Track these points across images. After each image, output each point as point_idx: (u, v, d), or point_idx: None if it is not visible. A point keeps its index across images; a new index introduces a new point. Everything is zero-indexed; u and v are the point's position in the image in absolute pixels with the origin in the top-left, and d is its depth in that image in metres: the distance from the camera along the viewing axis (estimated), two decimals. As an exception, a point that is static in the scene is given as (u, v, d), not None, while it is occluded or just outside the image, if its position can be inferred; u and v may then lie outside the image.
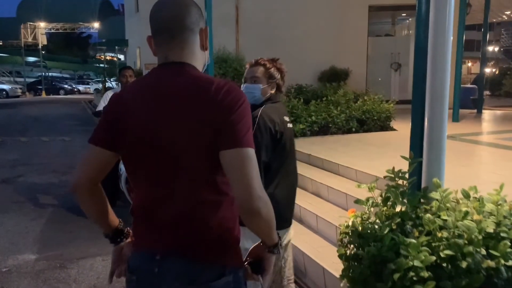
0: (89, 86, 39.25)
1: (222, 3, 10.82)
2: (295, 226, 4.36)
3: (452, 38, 2.48)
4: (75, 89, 37.62)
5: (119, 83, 5.49)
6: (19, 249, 4.27)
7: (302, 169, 5.41)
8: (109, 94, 5.44)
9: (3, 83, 32.47)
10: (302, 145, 6.26)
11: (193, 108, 1.21)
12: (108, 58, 37.40)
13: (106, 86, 23.51)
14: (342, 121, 7.46)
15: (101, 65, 34.60)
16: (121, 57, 32.70)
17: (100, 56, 35.45)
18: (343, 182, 4.68)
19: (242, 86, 2.30)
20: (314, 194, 4.82)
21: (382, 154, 5.65)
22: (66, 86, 37.51)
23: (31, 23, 37.37)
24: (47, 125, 13.89)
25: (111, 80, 27.44)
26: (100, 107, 5.22)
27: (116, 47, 27.88)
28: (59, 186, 6.53)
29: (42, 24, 37.25)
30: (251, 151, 1.19)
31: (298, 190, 5.00)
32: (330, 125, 7.41)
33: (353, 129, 7.56)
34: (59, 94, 34.80)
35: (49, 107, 21.93)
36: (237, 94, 1.22)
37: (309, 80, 11.27)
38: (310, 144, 6.40)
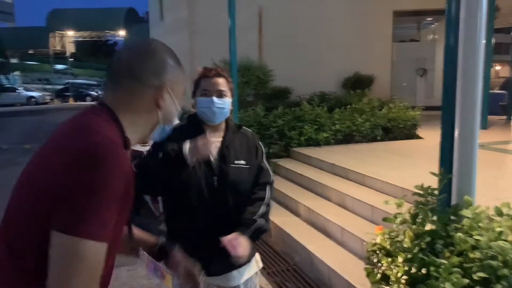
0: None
1: (245, 12, 10.86)
2: (319, 238, 4.32)
3: (484, 42, 2.40)
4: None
5: None
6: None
7: (326, 178, 5.36)
8: None
9: (33, 90, 33.39)
10: (326, 154, 6.19)
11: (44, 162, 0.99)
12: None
13: None
14: (367, 129, 7.36)
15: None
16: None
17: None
18: (369, 193, 4.60)
19: (203, 99, 1.96)
20: (338, 205, 4.76)
21: (408, 164, 5.53)
22: (92, 92, 38.28)
23: (59, 32, 38.43)
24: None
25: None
26: None
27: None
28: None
29: (70, 33, 38.24)
30: (88, 246, 0.88)
31: (322, 200, 5.00)
32: (355, 134, 7.31)
33: (378, 138, 7.44)
34: (85, 101, 35.56)
35: (75, 114, 22.40)
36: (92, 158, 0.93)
37: (333, 87, 11.17)
38: (334, 153, 6.33)
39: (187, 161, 1.78)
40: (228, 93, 1.99)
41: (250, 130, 2.16)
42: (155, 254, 1.46)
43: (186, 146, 1.81)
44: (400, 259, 2.05)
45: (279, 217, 4.95)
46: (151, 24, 22.16)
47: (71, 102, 34.13)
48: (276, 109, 7.54)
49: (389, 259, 2.10)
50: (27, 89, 33.15)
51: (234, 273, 1.98)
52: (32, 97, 31.51)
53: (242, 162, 1.97)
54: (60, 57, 40.74)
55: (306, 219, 4.82)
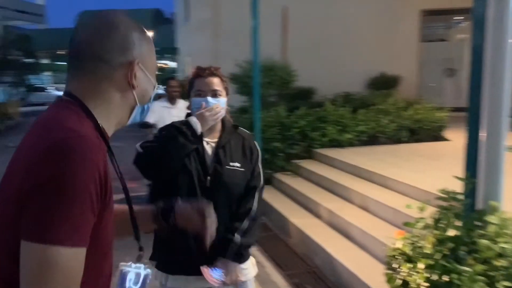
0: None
1: (269, 12, 10.84)
2: (340, 240, 4.26)
3: (511, 42, 2.31)
4: (130, 96, 39.08)
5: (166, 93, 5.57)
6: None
7: (348, 180, 5.28)
8: (155, 104, 5.45)
9: (62, 90, 34.21)
10: (349, 156, 6.11)
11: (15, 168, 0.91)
12: (160, 66, 38.60)
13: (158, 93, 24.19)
14: (392, 131, 7.22)
15: (153, 72, 35.76)
16: (173, 64, 33.62)
17: (151, 63, 36.65)
18: (392, 196, 4.51)
19: (197, 99, 1.93)
20: (360, 208, 4.68)
21: (434, 167, 5.40)
22: (119, 92, 39.02)
23: (88, 33, 39.22)
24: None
25: (162, 87, 28.18)
26: (148, 118, 5.29)
27: (167, 55, 28.68)
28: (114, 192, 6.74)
29: (98, 34, 38.99)
30: (58, 253, 0.80)
31: (344, 203, 4.93)
32: (379, 135, 7.18)
33: (404, 139, 7.29)
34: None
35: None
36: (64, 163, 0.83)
37: (358, 88, 11.02)
38: (358, 155, 6.23)
39: (196, 132, 1.80)
40: (223, 93, 1.96)
41: (247, 131, 2.11)
42: (159, 220, 1.32)
43: (193, 118, 1.83)
44: (421, 265, 1.99)
45: (299, 219, 4.91)
46: (177, 25, 22.42)
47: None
48: (299, 109, 7.48)
49: (410, 265, 2.04)
50: (57, 89, 34.03)
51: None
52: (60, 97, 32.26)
53: (237, 164, 1.94)
54: (89, 57, 41.60)
55: (327, 221, 4.76)
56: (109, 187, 0.92)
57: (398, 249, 2.18)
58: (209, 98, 1.90)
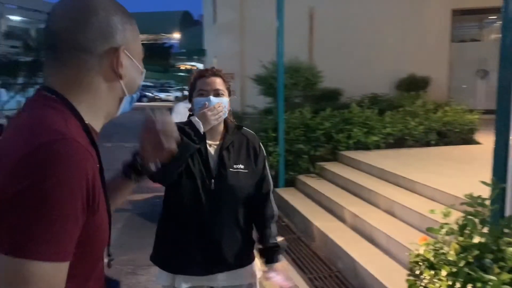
0: (169, 94, 41.20)
1: (296, 13, 10.79)
2: (364, 245, 4.18)
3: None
4: (157, 97, 39.68)
5: None
6: (96, 252, 4.52)
7: (374, 184, 5.18)
8: (180, 105, 5.52)
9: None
10: (375, 159, 6.00)
11: None
12: (187, 67, 39.04)
13: (184, 94, 24.51)
14: (420, 133, 7.05)
15: (181, 74, 36.22)
16: (200, 66, 33.95)
17: (180, 65, 37.12)
18: (419, 201, 4.39)
19: (200, 99, 1.92)
20: (386, 212, 4.58)
21: (464, 171, 5.24)
22: (149, 93, 39.68)
23: (119, 35, 40.08)
24: (130, 131, 14.72)
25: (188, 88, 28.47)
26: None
27: (195, 57, 28.95)
28: (135, 192, 6.86)
29: (128, 36, 39.79)
30: (37, 268, 0.73)
31: (369, 207, 4.84)
32: (407, 138, 7.03)
33: (432, 142, 7.11)
34: (142, 102, 36.89)
35: (133, 113, 23.13)
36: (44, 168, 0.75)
37: (385, 89, 10.82)
38: (384, 158, 6.11)
39: (199, 131, 1.80)
40: (226, 93, 1.95)
41: (251, 131, 2.09)
42: (135, 171, 1.21)
43: (195, 118, 1.83)
44: (443, 273, 1.92)
45: (323, 222, 4.85)
46: (205, 26, 22.62)
47: (129, 102, 35.50)
48: (324, 111, 7.41)
49: (432, 272, 1.97)
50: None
51: (229, 274, 1.96)
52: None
53: (241, 166, 1.93)
54: (119, 59, 42.50)
55: (351, 225, 4.68)
56: (98, 193, 0.84)
57: (421, 255, 2.11)
58: (212, 98, 1.89)
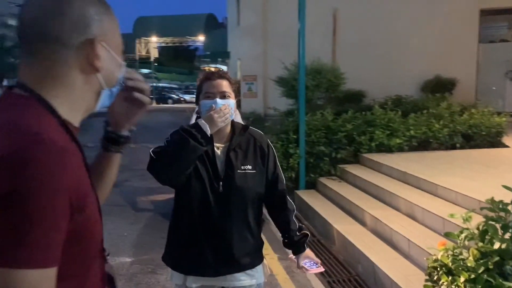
0: (194, 95, 41.55)
1: (319, 14, 10.75)
2: (384, 249, 4.11)
3: None
4: (182, 99, 40.13)
5: None
6: (117, 251, 4.59)
7: (396, 187, 5.10)
8: None
9: (120, 93, 35.71)
10: (398, 162, 5.90)
11: None
12: (212, 69, 39.34)
13: None
14: (445, 136, 6.89)
15: (205, 76, 36.52)
16: (225, 68, 34.19)
17: (204, 67, 37.53)
18: (441, 205, 4.30)
19: (206, 101, 1.92)
20: (407, 216, 4.49)
21: (490, 175, 5.10)
22: (174, 96, 40.17)
23: (144, 38, 40.85)
24: (154, 132, 14.90)
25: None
26: (193, 121, 5.39)
27: (219, 59, 29.16)
28: (157, 192, 6.94)
29: (154, 39, 40.50)
30: (22, 276, 0.71)
31: (390, 210, 4.77)
32: (431, 140, 6.88)
33: (458, 145, 6.94)
34: (167, 103, 37.36)
35: (158, 115, 23.56)
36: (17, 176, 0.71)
37: (410, 91, 10.63)
38: (407, 161, 6.00)
39: (206, 133, 1.81)
40: (232, 95, 1.95)
41: (259, 131, 2.08)
42: (112, 141, 1.14)
43: (201, 121, 1.84)
44: (462, 279, 1.87)
45: (343, 225, 4.80)
46: (229, 29, 22.76)
47: (154, 104, 36.06)
48: (346, 113, 7.33)
49: (450, 278, 1.92)
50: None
51: (240, 275, 1.97)
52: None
53: (249, 167, 1.94)
54: (145, 62, 43.29)
55: (371, 228, 4.62)
56: (83, 189, 0.81)
57: (439, 260, 2.06)
58: (218, 100, 1.89)
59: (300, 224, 2.06)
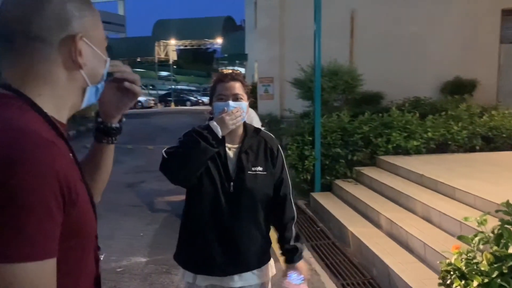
0: (212, 97, 41.80)
1: (337, 15, 10.69)
2: (399, 252, 4.06)
3: None
4: (200, 101, 40.40)
5: None
6: (133, 251, 4.65)
7: (412, 190, 5.04)
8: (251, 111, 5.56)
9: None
10: (415, 164, 5.82)
11: None
12: (227, 71, 39.50)
13: None
14: (464, 138, 6.76)
15: (223, 78, 36.73)
16: (242, 70, 34.30)
17: (222, 69, 37.70)
18: (458, 208, 4.22)
19: (219, 103, 1.94)
20: (423, 219, 4.43)
21: (509, 178, 4.98)
22: (192, 98, 40.44)
23: (164, 41, 41.26)
24: (172, 134, 15.07)
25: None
26: None
27: (237, 61, 29.26)
28: (173, 193, 7.00)
29: (172, 42, 40.89)
30: (18, 270, 0.71)
31: (406, 213, 4.70)
32: (450, 143, 6.77)
33: (477, 148, 6.81)
34: (185, 105, 37.67)
35: (176, 117, 23.79)
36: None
37: (429, 92, 10.47)
38: (424, 163, 5.91)
39: (217, 135, 1.83)
40: (244, 97, 1.97)
41: (269, 133, 2.11)
42: (103, 133, 1.14)
43: (213, 123, 1.86)
44: (475, 283, 1.83)
45: (358, 228, 4.76)
46: (247, 31, 22.83)
47: (173, 106, 36.37)
48: (363, 115, 7.27)
49: (463, 282, 1.89)
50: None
51: (247, 274, 1.98)
52: (138, 101, 34.08)
53: (259, 168, 1.96)
54: (164, 64, 43.74)
55: (387, 231, 4.57)
56: (73, 183, 0.81)
57: (452, 264, 2.03)
58: (231, 102, 1.91)
59: (298, 234, 2.04)
